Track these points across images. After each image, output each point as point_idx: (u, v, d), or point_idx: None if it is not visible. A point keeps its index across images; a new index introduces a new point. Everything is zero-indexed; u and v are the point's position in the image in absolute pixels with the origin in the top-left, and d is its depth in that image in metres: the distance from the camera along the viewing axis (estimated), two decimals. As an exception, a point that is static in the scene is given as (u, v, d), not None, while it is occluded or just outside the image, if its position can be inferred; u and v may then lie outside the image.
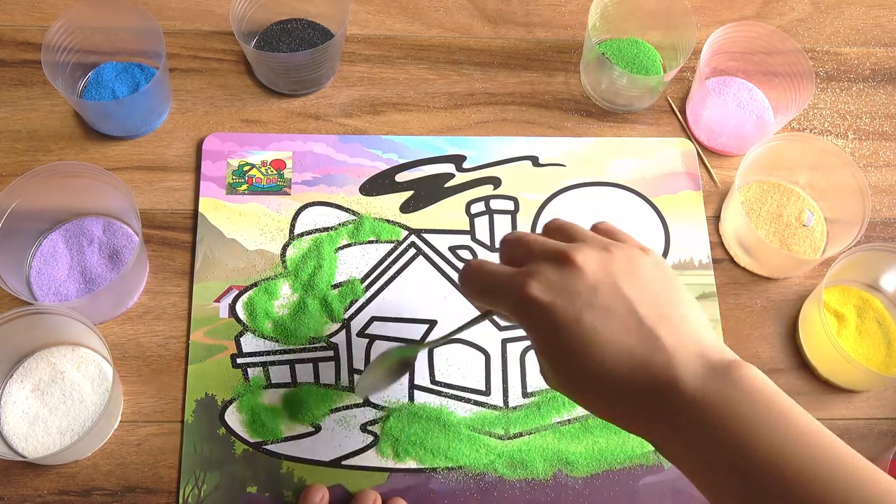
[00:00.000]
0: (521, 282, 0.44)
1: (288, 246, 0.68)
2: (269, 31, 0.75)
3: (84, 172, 0.63)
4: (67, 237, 0.66)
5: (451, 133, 0.74)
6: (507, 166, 0.72)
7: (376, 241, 0.68)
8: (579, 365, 0.43)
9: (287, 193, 0.70)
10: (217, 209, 0.68)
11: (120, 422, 0.62)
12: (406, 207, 0.70)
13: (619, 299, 0.43)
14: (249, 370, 0.63)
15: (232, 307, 0.65)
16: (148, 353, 0.64)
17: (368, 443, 0.62)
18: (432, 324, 0.66)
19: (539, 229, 0.70)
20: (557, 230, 0.49)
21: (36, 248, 0.66)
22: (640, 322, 0.43)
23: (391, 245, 0.68)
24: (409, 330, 0.66)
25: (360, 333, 0.65)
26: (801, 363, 0.67)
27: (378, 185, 0.71)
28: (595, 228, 0.50)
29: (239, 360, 0.64)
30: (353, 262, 0.67)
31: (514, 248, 0.48)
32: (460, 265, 0.68)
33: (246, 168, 0.70)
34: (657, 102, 0.76)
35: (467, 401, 0.64)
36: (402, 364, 0.58)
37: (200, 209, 0.68)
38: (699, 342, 0.43)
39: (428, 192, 0.71)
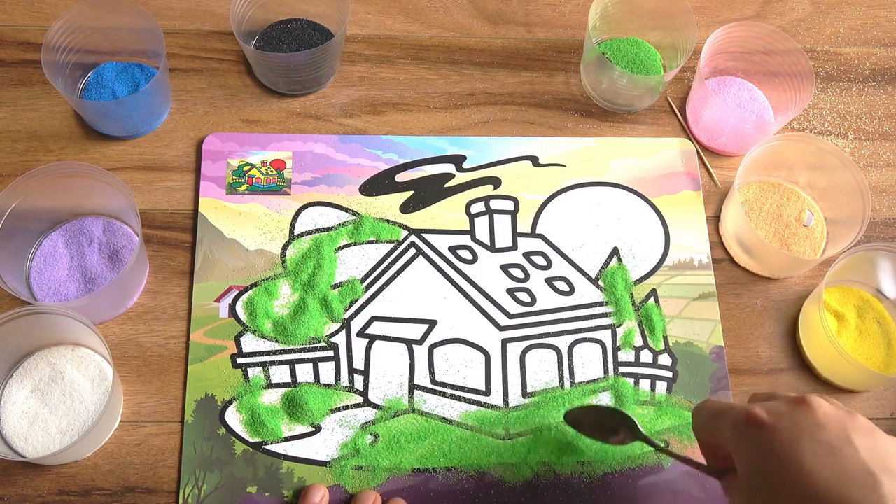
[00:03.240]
0: (750, 407, 0.47)
1: (288, 246, 0.68)
2: (269, 31, 0.75)
3: (84, 172, 0.63)
4: (67, 237, 0.66)
5: (451, 133, 0.74)
6: (507, 166, 0.72)
7: (376, 241, 0.68)
8: (785, 487, 0.43)
9: (287, 193, 0.70)
10: (217, 209, 0.68)
11: (120, 422, 0.62)
12: (406, 207, 0.70)
13: (844, 440, 0.43)
14: (249, 370, 0.63)
15: (232, 307, 0.65)
16: (148, 353, 0.64)
17: (369, 443, 0.62)
18: (432, 324, 0.66)
19: (539, 229, 0.70)
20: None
21: (36, 248, 0.66)
22: (862, 466, 0.42)
23: (391, 245, 0.68)
24: (409, 330, 0.66)
25: (360, 333, 0.65)
26: (801, 363, 0.67)
27: (378, 185, 0.71)
28: None
29: (239, 360, 0.64)
30: (353, 262, 0.67)
31: (757, 395, 0.51)
32: (460, 265, 0.68)
33: (246, 168, 0.70)
34: (657, 102, 0.76)
35: (467, 401, 0.64)
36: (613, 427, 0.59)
37: (200, 209, 0.68)
38: None
39: (428, 192, 0.71)
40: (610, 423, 0.59)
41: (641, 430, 0.57)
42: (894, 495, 0.41)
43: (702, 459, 0.54)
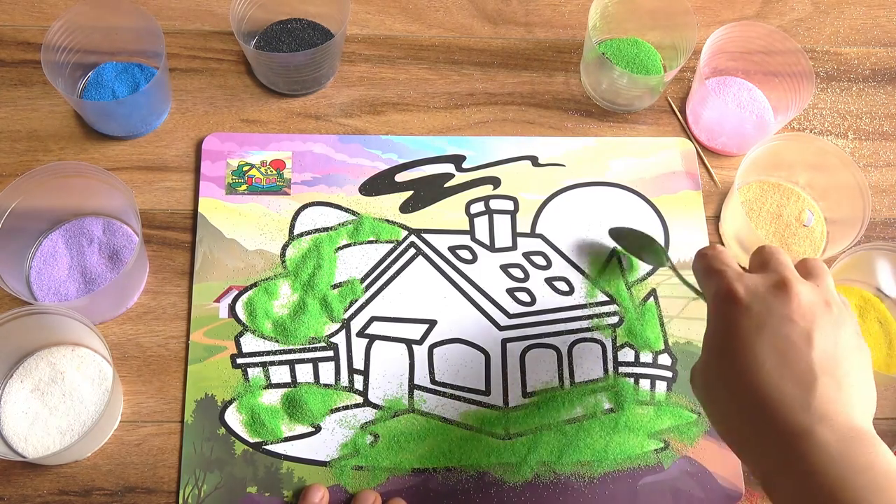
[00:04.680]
0: (732, 278, 0.48)
1: (288, 246, 0.68)
2: (269, 31, 0.75)
3: (84, 172, 0.63)
4: (67, 237, 0.66)
5: (451, 133, 0.74)
6: (507, 166, 0.72)
7: (376, 241, 0.68)
8: (733, 368, 0.46)
9: (287, 193, 0.70)
10: (217, 209, 0.68)
11: (120, 422, 0.62)
12: (406, 207, 0.70)
13: (804, 341, 0.45)
14: (249, 370, 0.63)
15: (232, 307, 0.65)
16: (148, 353, 0.64)
17: (369, 443, 0.62)
18: (432, 324, 0.66)
19: (539, 229, 0.70)
20: (808, 270, 0.50)
21: (36, 248, 0.66)
22: (808, 366, 0.44)
23: (391, 245, 0.68)
24: (408, 330, 0.66)
25: (360, 333, 0.65)
26: (801, 363, 0.67)
27: (378, 185, 0.71)
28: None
29: (239, 360, 0.64)
30: (352, 262, 0.67)
31: (760, 255, 0.51)
32: (460, 265, 0.68)
33: (245, 168, 0.70)
34: (657, 102, 0.76)
35: (467, 401, 0.64)
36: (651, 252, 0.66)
37: (200, 209, 0.68)
38: (851, 410, 0.44)
39: (427, 192, 0.71)
40: (642, 245, 0.66)
41: (669, 259, 0.64)
42: (826, 397, 0.43)
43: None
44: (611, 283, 0.68)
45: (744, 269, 0.52)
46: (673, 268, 0.61)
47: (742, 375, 0.45)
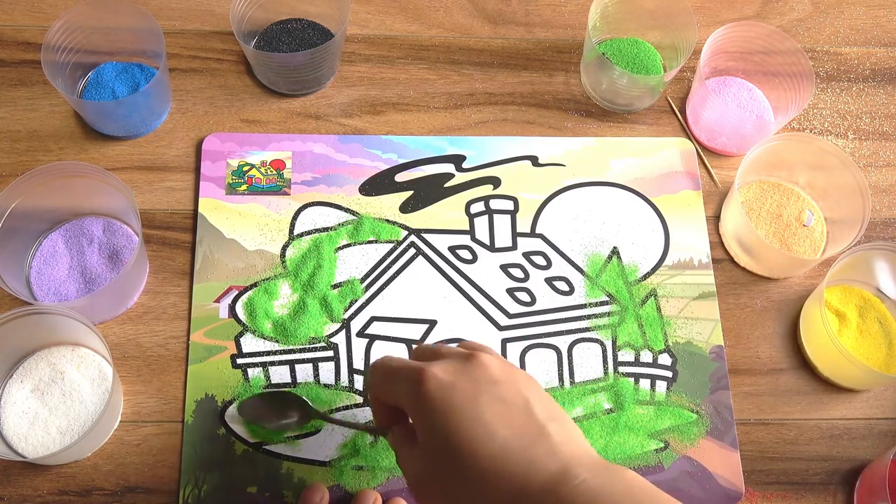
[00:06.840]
0: (426, 365, 0.47)
1: (288, 246, 0.68)
2: (269, 31, 0.75)
3: (84, 172, 0.63)
4: (67, 237, 0.66)
5: (451, 133, 0.74)
6: (507, 166, 0.72)
7: (376, 241, 0.68)
8: (468, 445, 0.44)
9: (287, 193, 0.70)
10: (217, 209, 0.68)
11: (120, 422, 0.62)
12: (406, 207, 0.70)
13: (517, 395, 0.46)
14: (249, 370, 0.63)
15: (232, 307, 0.65)
16: (148, 353, 0.64)
17: (368, 443, 0.62)
18: (432, 324, 0.66)
19: (539, 228, 0.70)
20: (472, 347, 0.51)
21: (36, 248, 0.66)
22: (532, 416, 0.45)
23: (391, 245, 0.68)
24: (408, 330, 0.66)
25: (360, 333, 0.65)
26: (802, 363, 0.67)
27: (378, 185, 0.71)
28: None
29: (239, 361, 0.64)
30: (352, 262, 0.67)
31: (424, 352, 0.51)
32: (460, 265, 0.68)
33: (245, 168, 0.70)
34: (657, 102, 0.76)
35: (467, 401, 0.64)
36: (297, 410, 0.60)
37: (200, 209, 0.68)
38: (584, 444, 0.46)
39: (427, 192, 0.71)
40: (283, 408, 0.60)
41: (310, 404, 0.60)
42: (561, 439, 0.45)
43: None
44: (611, 283, 0.68)
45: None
46: (321, 415, 0.59)
47: (479, 447, 0.44)
